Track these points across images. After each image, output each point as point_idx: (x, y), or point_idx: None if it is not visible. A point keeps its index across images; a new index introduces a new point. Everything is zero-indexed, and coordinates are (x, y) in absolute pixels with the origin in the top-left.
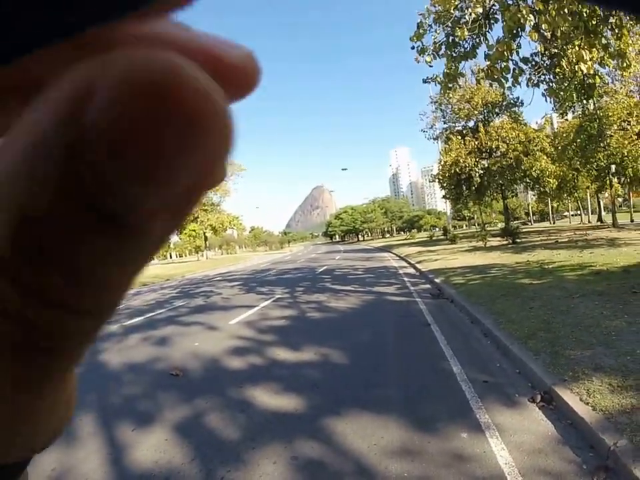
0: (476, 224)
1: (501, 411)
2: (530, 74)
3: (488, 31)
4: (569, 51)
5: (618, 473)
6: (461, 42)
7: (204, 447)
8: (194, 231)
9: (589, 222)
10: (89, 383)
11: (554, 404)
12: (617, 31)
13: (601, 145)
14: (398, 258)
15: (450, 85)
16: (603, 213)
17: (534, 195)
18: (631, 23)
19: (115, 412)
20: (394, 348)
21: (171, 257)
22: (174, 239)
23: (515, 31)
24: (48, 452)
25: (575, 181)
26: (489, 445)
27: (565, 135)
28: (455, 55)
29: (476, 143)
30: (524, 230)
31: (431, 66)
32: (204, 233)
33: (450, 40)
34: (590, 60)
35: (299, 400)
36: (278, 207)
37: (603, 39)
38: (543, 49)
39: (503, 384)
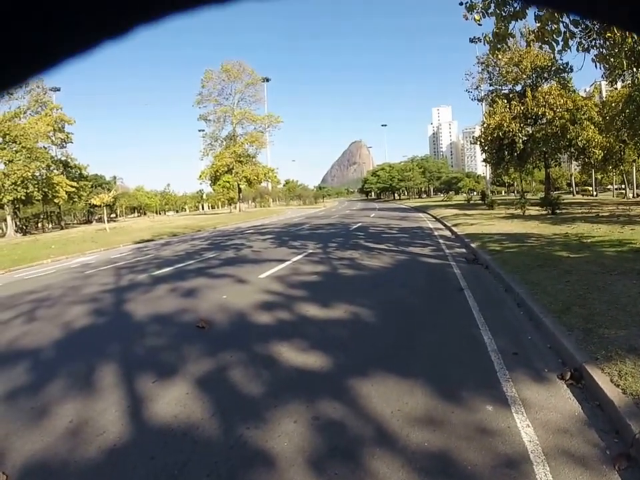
0: (515, 191)
1: (529, 385)
2: (581, 38)
3: None
4: None
5: None
6: (510, 1)
7: (225, 402)
8: (228, 182)
9: (634, 197)
10: (113, 332)
11: (583, 383)
12: None
13: None
14: (434, 219)
15: (499, 46)
16: None
17: (578, 166)
18: None
19: (136, 363)
20: (425, 311)
21: (203, 208)
22: (207, 189)
23: None
24: (65, 403)
25: (622, 153)
26: (513, 420)
27: (613, 104)
28: (504, 14)
29: (522, 108)
30: (565, 201)
31: (479, 24)
32: (238, 185)
33: None
34: None
35: (325, 358)
36: (315, 160)
37: None
38: None
39: (533, 357)
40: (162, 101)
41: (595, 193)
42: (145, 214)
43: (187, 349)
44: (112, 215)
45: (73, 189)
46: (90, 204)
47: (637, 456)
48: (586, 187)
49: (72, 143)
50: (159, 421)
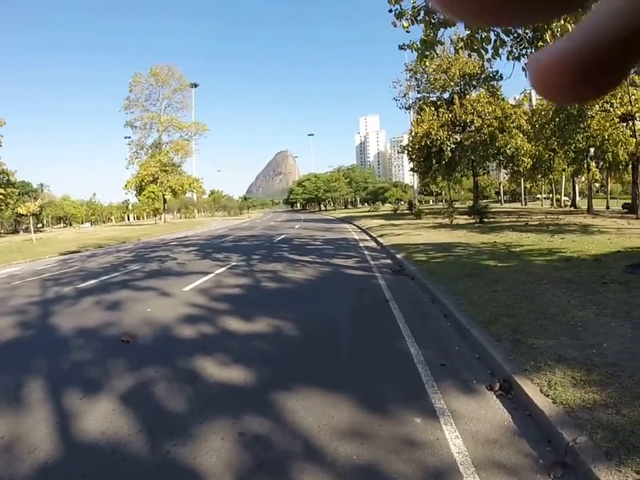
0: (443, 200)
1: (457, 397)
2: (511, 46)
3: None
4: (554, 24)
5: (576, 470)
6: None
7: (151, 418)
8: (153, 192)
9: (563, 206)
10: (39, 346)
11: (513, 393)
12: None
13: (581, 125)
14: (359, 230)
15: (427, 53)
16: (578, 198)
17: (506, 174)
18: None
19: (63, 378)
20: (350, 323)
21: (128, 219)
22: (133, 200)
23: None
24: None
25: (551, 162)
26: (442, 432)
27: (543, 112)
28: (433, 21)
29: (450, 115)
30: (493, 210)
31: (408, 31)
32: (163, 195)
33: (429, 5)
34: None
35: (249, 373)
36: (240, 170)
37: None
38: None
39: (461, 369)
40: (90, 105)
41: (565, 203)
42: (70, 224)
43: (112, 363)
44: (38, 225)
45: (0, 196)
46: (17, 213)
47: (572, 463)
48: (561, 197)
49: (1, 146)
50: (88, 437)
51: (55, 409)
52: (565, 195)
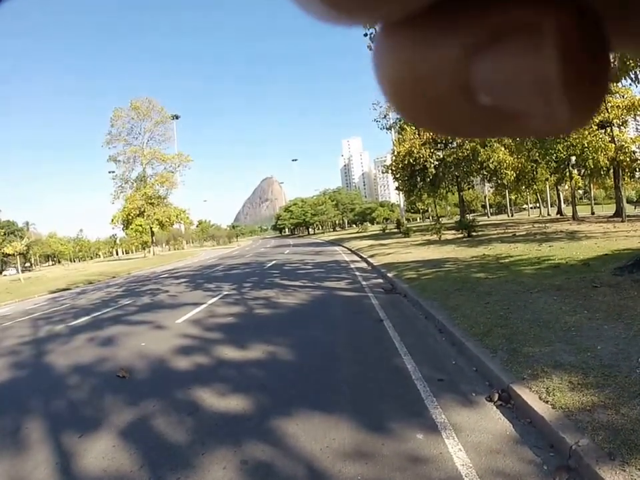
0: (430, 217)
1: (458, 410)
2: None
3: None
4: None
5: (581, 473)
6: None
7: (152, 452)
8: (140, 225)
9: (549, 214)
10: (35, 386)
11: (512, 403)
12: None
13: (561, 135)
14: (349, 252)
15: None
16: (563, 206)
17: (491, 187)
18: None
19: (61, 417)
20: (345, 345)
21: (117, 254)
22: (120, 234)
23: None
24: None
25: (534, 172)
26: (445, 445)
27: None
28: None
29: (431, 133)
30: (480, 223)
31: None
32: (150, 228)
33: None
34: None
35: (247, 401)
36: (226, 199)
37: None
38: None
39: (459, 382)
40: (72, 141)
41: (510, 214)
42: (59, 262)
43: (109, 399)
44: (26, 264)
45: None
46: (3, 253)
47: (577, 466)
48: (547, 208)
49: None
50: (89, 476)
51: (54, 449)
52: (550, 205)
